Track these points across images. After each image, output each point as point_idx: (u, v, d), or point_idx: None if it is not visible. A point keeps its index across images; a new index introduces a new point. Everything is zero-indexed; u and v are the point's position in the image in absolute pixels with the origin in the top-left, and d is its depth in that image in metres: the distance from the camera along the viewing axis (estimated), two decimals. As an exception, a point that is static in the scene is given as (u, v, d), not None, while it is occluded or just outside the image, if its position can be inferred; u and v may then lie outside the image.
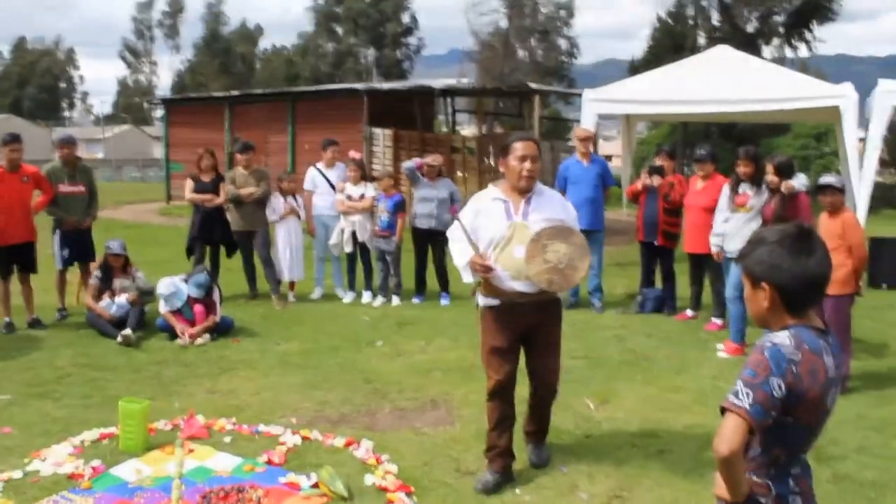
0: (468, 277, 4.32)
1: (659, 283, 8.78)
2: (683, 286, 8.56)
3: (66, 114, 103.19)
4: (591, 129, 10.19)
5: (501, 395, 4.32)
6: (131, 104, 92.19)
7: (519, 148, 4.17)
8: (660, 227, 8.41)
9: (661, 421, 5.22)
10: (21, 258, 7.82)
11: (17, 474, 4.32)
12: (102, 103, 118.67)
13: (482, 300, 4.33)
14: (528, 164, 4.13)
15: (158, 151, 70.72)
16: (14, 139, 7.74)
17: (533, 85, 17.01)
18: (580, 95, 12.66)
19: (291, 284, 9.31)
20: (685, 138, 29.24)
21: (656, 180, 8.38)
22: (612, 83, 12.74)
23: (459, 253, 4.30)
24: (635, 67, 35.70)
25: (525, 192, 4.21)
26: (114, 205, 21.17)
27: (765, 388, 2.02)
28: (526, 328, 4.28)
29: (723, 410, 2.07)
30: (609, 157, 27.59)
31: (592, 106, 11.60)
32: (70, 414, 5.35)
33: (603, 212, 8.92)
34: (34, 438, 4.88)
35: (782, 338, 2.09)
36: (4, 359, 6.69)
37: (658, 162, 8.67)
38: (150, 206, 22.13)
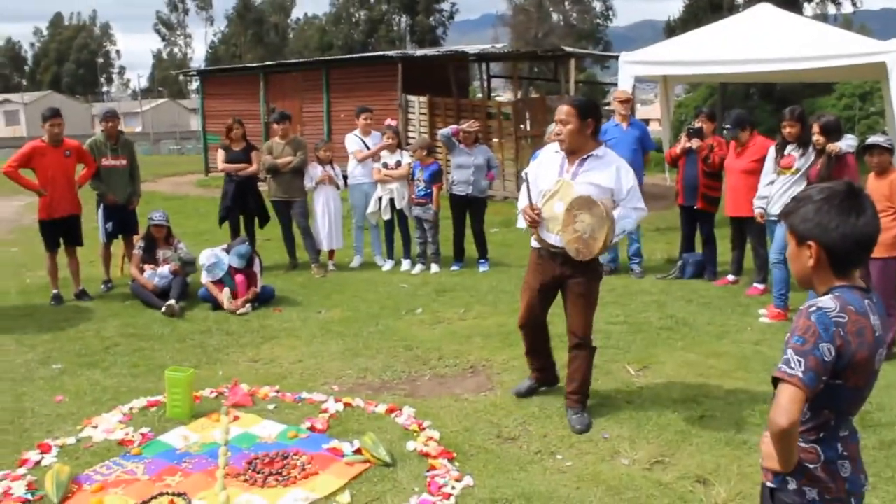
0: (521, 224, 4.73)
1: (699, 248, 8.67)
2: (724, 251, 8.46)
3: (104, 88, 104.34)
4: (629, 91, 10.05)
5: (527, 327, 4.93)
6: (167, 77, 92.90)
7: (557, 112, 4.50)
8: (699, 190, 8.29)
9: (702, 387, 5.19)
10: (67, 231, 7.96)
11: (71, 440, 4.45)
12: (139, 77, 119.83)
13: (532, 241, 4.72)
14: (559, 127, 4.42)
15: (195, 123, 71.37)
16: (54, 114, 7.84)
17: (568, 49, 16.76)
18: (616, 58, 12.49)
19: (331, 253, 9.37)
20: (724, 100, 28.74)
21: (695, 143, 8.25)
22: (648, 45, 12.56)
23: (520, 199, 4.70)
24: (672, 28, 35.12)
25: (568, 152, 4.47)
26: (153, 177, 21.39)
27: (815, 354, 1.99)
28: (560, 277, 4.61)
29: (775, 381, 2.04)
30: (647, 122, 27.25)
31: (629, 68, 11.46)
32: (118, 382, 5.48)
33: (642, 176, 8.82)
34: (85, 406, 5.01)
35: (826, 301, 2.05)
36: (54, 330, 6.85)
37: (697, 124, 8.53)
38: (188, 178, 22.35)
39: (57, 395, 5.20)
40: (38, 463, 4.17)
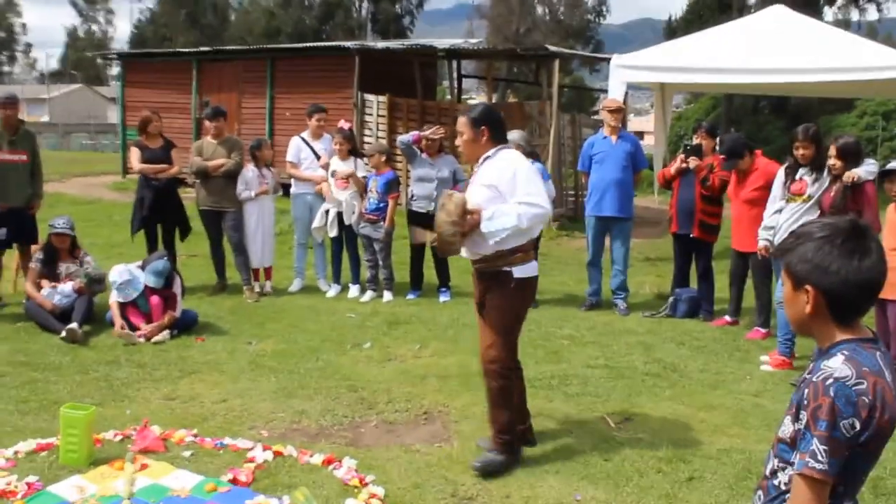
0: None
1: (694, 283, 8.78)
2: (722, 287, 8.57)
3: (6, 69, 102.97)
4: (620, 99, 10.18)
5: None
6: (82, 59, 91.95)
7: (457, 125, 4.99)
8: (696, 217, 8.40)
9: (692, 443, 5.23)
10: (-49, 237, 7.84)
11: (-60, 489, 4.34)
12: (48, 57, 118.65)
13: None
14: (457, 140, 4.95)
15: (113, 115, 70.70)
16: None
17: (552, 48, 16.92)
18: (608, 61, 12.66)
19: (268, 273, 9.34)
20: (729, 113, 29.25)
21: (693, 162, 8.36)
22: (645, 47, 12.73)
23: None
24: (673, 29, 35.71)
25: (468, 162, 5.18)
26: (59, 177, 21.16)
27: (837, 436, 2.04)
28: (479, 295, 4.97)
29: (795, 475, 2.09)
30: (640, 135, 27.63)
31: (621, 73, 11.61)
32: (2, 420, 5.37)
33: (632, 197, 8.93)
34: (-40, 448, 4.90)
35: (840, 368, 2.08)
36: (-72, 354, 6.72)
37: (696, 140, 8.67)
38: (102, 180, 22.14)
39: (-73, 433, 5.09)
40: None
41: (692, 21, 34.00)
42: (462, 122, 4.87)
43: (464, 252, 4.89)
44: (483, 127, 4.80)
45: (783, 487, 2.20)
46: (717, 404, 5.99)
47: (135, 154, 9.14)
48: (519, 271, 4.76)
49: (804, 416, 2.09)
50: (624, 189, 8.73)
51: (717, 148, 8.20)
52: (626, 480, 4.67)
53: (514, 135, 9.01)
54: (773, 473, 2.25)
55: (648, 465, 4.87)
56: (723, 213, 8.50)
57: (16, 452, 4.83)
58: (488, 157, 4.85)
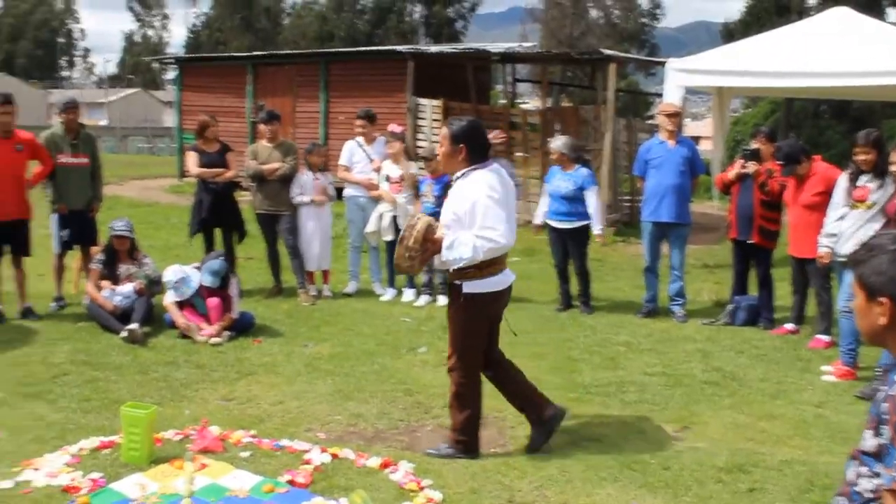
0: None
1: (753, 290, 8.68)
2: (783, 294, 8.46)
3: (65, 73, 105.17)
4: (677, 104, 10.10)
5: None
6: (139, 64, 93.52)
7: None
8: (755, 222, 8.31)
9: (753, 454, 5.17)
10: (13, 239, 8.04)
11: (7, 484, 4.45)
12: (106, 62, 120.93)
13: None
14: (437, 148, 5.19)
15: (169, 119, 71.80)
16: (5, 100, 7.93)
17: (608, 51, 16.88)
18: (663, 64, 12.57)
19: (325, 276, 9.42)
20: (789, 118, 28.84)
21: (751, 167, 8.28)
22: (702, 50, 12.61)
23: None
24: (730, 32, 35.32)
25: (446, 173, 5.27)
26: (118, 180, 21.56)
27: None
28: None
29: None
30: (696, 140, 27.37)
31: (678, 77, 11.52)
32: (66, 418, 5.49)
33: (689, 203, 8.85)
34: (26, 445, 5.02)
35: None
36: (-8, 352, 6.90)
37: (754, 145, 8.57)
38: (159, 182, 22.50)
39: (-7, 430, 5.22)
40: (-34, 510, 4.18)
41: (750, 24, 33.61)
42: (443, 134, 4.97)
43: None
44: (461, 145, 4.86)
45: (867, 496, 2.18)
46: (779, 414, 5.92)
47: (192, 158, 9.23)
48: (469, 287, 4.86)
49: (886, 430, 2.06)
50: (681, 194, 8.66)
51: (775, 154, 8.10)
52: (686, 490, 4.63)
53: (557, 142, 9.05)
54: (856, 481, 2.23)
55: (708, 475, 4.82)
56: (782, 219, 8.39)
57: (80, 449, 4.94)
58: (460, 177, 4.92)
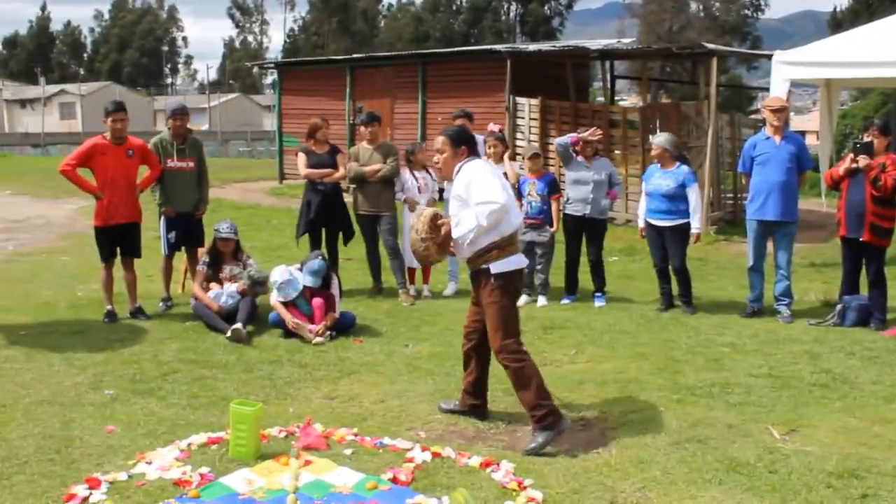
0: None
1: (864, 290, 8.44)
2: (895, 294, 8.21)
3: (169, 80, 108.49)
4: (784, 98, 9.89)
5: (465, 344, 5.82)
6: (238, 69, 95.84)
7: (435, 142, 5.59)
8: (867, 219, 8.09)
9: (865, 459, 5.04)
10: (125, 241, 8.33)
11: (123, 476, 4.65)
12: (209, 68, 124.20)
13: None
14: (437, 156, 5.53)
15: (268, 122, 73.29)
16: (118, 108, 8.23)
17: (710, 45, 16.53)
18: (767, 57, 12.32)
19: (425, 276, 9.51)
20: (902, 110, 27.87)
21: (863, 161, 8.05)
22: (808, 42, 12.31)
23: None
24: (838, 22, 34.34)
25: (446, 178, 5.80)
26: (220, 183, 22.07)
27: None
28: (474, 294, 5.60)
29: None
30: (802, 134, 26.68)
31: (784, 70, 11.28)
32: (176, 414, 5.70)
33: (797, 200, 8.65)
34: (138, 439, 5.23)
35: None
36: (106, 350, 7.18)
37: (867, 138, 8.32)
38: (259, 185, 23.01)
39: (108, 425, 5.44)
40: (85, 499, 4.37)
41: (860, 12, 32.67)
42: (443, 142, 5.49)
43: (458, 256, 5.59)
44: (464, 147, 5.46)
45: None
46: (893, 418, 5.74)
47: (302, 160, 9.38)
48: (496, 267, 5.29)
49: None
50: (788, 191, 8.48)
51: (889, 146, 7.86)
52: (794, 494, 4.55)
53: (659, 138, 8.95)
54: None
55: (818, 480, 4.72)
56: (896, 216, 8.15)
57: (189, 444, 5.12)
58: (457, 172, 5.44)
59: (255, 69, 76.65)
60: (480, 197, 5.21)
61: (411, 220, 5.49)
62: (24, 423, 5.48)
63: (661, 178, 8.72)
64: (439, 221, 5.43)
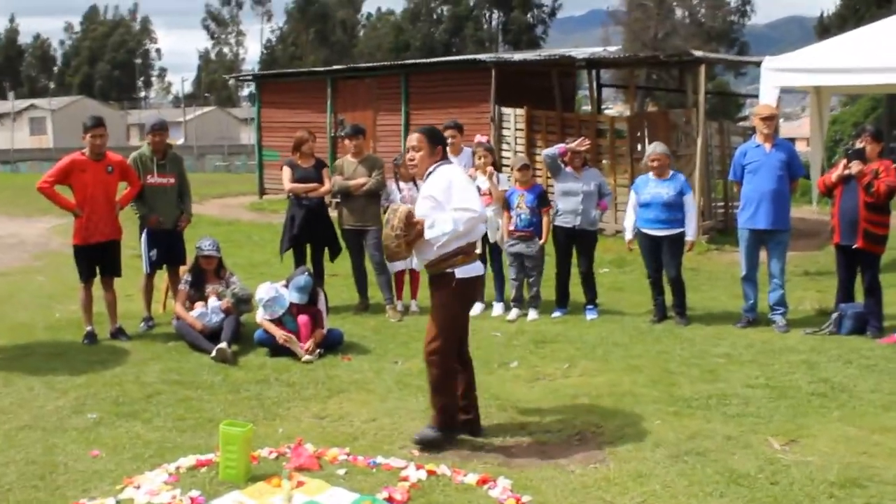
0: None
1: (860, 297, 8.52)
2: (891, 301, 8.30)
3: (142, 94, 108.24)
4: (773, 105, 9.99)
5: None
6: (215, 82, 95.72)
7: (408, 140, 5.78)
8: (860, 226, 8.17)
9: (867, 468, 5.10)
10: (105, 259, 8.32)
11: (110, 502, 4.65)
12: (183, 81, 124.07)
13: None
14: (411, 154, 5.68)
15: (245, 136, 73.24)
16: (97, 123, 8.22)
17: (698, 52, 16.68)
18: (756, 63, 12.43)
19: (413, 291, 9.52)
20: (892, 115, 28.12)
21: (856, 167, 8.14)
22: (794, 48, 12.45)
23: None
24: (825, 27, 34.68)
25: (420, 177, 5.83)
26: (199, 199, 21.93)
27: None
28: (431, 295, 5.76)
29: None
30: (791, 141, 26.89)
31: (773, 77, 11.40)
32: (162, 437, 5.70)
33: (789, 208, 8.74)
34: (125, 463, 5.23)
35: None
36: (87, 373, 7.17)
37: (860, 144, 8.42)
38: (239, 200, 23.00)
39: (92, 449, 5.43)
40: (73, 526, 4.37)
41: (847, 17, 32.99)
42: (419, 139, 5.66)
43: (415, 260, 5.81)
44: (439, 146, 5.67)
45: None
46: (893, 427, 5.80)
47: (286, 173, 9.39)
48: (461, 272, 5.50)
49: None
50: (780, 200, 8.56)
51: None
52: (796, 505, 4.60)
53: (659, 147, 9.01)
54: None
55: (819, 490, 4.78)
56: (890, 222, 8.23)
57: (178, 468, 5.12)
58: (431, 173, 5.62)
59: (232, 81, 76.56)
60: (460, 203, 5.41)
61: (387, 215, 5.62)
62: (4, 449, 5.47)
63: (660, 187, 8.79)
64: (413, 220, 5.54)
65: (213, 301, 8.15)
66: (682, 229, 8.77)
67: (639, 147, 15.81)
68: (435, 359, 5.54)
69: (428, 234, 5.43)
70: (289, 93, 22.11)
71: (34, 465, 5.20)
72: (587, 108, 25.55)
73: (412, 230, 5.51)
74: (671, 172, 8.82)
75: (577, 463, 5.22)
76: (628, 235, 9.19)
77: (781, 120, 21.47)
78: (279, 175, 9.66)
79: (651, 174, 8.93)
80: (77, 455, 5.36)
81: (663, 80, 36.42)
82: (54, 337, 8.42)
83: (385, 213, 9.22)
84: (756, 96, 13.63)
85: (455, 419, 5.63)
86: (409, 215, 5.56)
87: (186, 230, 9.06)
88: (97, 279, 8.39)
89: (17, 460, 5.28)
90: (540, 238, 9.03)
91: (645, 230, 8.91)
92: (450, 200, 5.43)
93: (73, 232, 8.29)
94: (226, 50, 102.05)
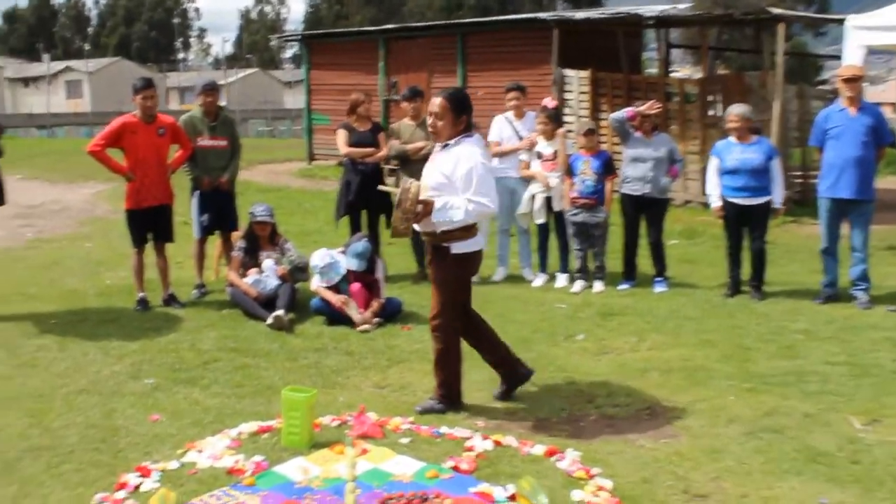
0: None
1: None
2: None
3: (181, 55, 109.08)
4: (859, 65, 9.90)
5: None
6: (255, 42, 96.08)
7: (430, 104, 5.66)
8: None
9: (956, 448, 5.16)
10: (157, 224, 8.59)
11: (174, 465, 4.88)
12: (224, 42, 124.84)
13: None
14: (432, 120, 5.62)
15: (289, 100, 73.61)
16: (148, 85, 8.45)
17: (776, 10, 16.48)
18: (838, 22, 12.33)
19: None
20: None
21: (946, 135, 8.10)
22: (881, 5, 12.31)
23: None
24: (916, -16, 33.97)
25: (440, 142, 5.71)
26: (245, 164, 22.29)
27: None
28: (428, 263, 5.99)
29: None
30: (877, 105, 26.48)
31: (858, 36, 11.32)
32: (221, 403, 5.93)
33: (874, 177, 8.69)
34: (186, 428, 5.47)
35: None
36: (142, 339, 7.45)
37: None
38: (286, 167, 23.26)
39: (152, 414, 5.69)
40: (137, 487, 4.61)
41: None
42: (442, 105, 5.54)
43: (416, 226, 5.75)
44: (463, 116, 5.58)
45: None
46: (983, 407, 5.85)
47: (342, 136, 9.50)
48: (457, 247, 5.61)
49: None
50: (864, 168, 8.47)
51: None
52: (879, 485, 4.67)
53: (739, 108, 8.93)
54: None
55: (904, 471, 4.85)
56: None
57: (239, 433, 5.34)
58: (448, 145, 5.59)
59: (275, 42, 76.79)
60: (477, 195, 5.46)
61: (398, 196, 5.55)
62: (64, 412, 5.75)
63: (746, 153, 8.66)
64: (423, 200, 5.52)
65: (268, 263, 8.34)
66: (769, 197, 8.70)
67: (710, 112, 15.76)
68: (438, 334, 5.77)
69: (436, 217, 5.49)
70: (338, 54, 22.26)
71: (94, 428, 5.46)
72: (652, 70, 25.42)
73: (420, 209, 5.52)
74: (754, 137, 8.77)
75: (648, 437, 5.33)
76: (717, 202, 8.92)
77: (866, 84, 21.09)
78: (329, 140, 9.84)
79: (732, 138, 8.84)
80: (137, 419, 5.61)
81: (735, 41, 35.93)
82: (106, 303, 8.72)
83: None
84: (838, 57, 13.53)
85: (457, 395, 5.84)
86: (418, 197, 5.53)
87: (237, 197, 9.25)
88: (149, 245, 8.64)
89: (77, 423, 5.55)
90: (604, 206, 9.11)
91: (732, 199, 8.76)
92: (467, 188, 5.46)
93: (125, 196, 8.51)
94: (268, 9, 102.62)
